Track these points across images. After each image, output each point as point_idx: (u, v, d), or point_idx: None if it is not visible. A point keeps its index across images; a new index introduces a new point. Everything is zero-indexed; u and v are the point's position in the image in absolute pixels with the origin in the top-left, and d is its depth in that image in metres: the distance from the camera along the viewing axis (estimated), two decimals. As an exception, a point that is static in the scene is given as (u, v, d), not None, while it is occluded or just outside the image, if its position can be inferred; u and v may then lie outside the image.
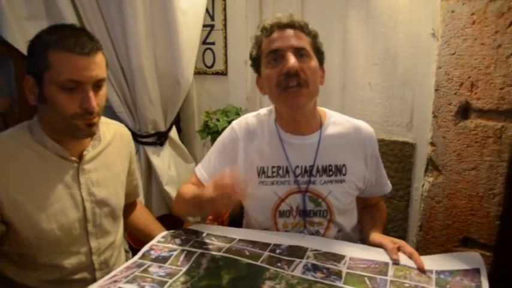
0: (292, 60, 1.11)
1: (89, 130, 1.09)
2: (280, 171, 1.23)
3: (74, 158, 1.15)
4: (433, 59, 1.59)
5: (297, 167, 1.22)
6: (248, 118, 1.32)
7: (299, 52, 1.14)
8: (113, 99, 1.95)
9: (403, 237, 1.84)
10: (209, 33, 2.20)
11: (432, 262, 1.04)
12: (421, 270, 1.00)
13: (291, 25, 1.16)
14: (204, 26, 2.17)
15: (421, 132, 1.72)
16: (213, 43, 2.20)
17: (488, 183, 1.42)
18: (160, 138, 2.11)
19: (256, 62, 1.23)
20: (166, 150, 2.15)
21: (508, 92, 1.32)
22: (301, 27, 1.18)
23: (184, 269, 1.01)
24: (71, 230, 1.14)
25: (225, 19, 2.14)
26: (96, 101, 1.06)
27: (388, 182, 1.39)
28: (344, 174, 1.23)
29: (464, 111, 1.46)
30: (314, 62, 1.17)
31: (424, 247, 1.68)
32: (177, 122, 2.35)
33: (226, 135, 1.33)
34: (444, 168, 1.56)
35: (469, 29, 1.40)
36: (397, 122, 1.80)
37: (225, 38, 2.15)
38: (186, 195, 1.26)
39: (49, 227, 1.09)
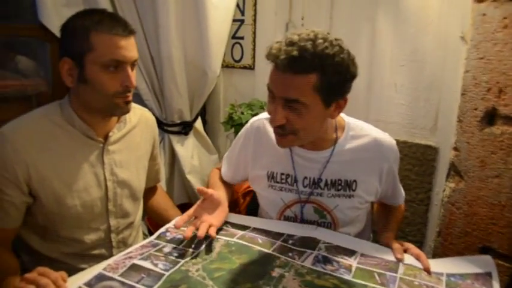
0: (278, 115, 1.02)
1: (127, 107, 1.15)
2: (289, 180, 1.23)
3: (99, 139, 1.19)
4: (461, 62, 1.55)
5: (305, 178, 1.21)
6: (262, 120, 1.28)
7: (291, 105, 1.01)
8: (141, 86, 1.98)
9: (421, 242, 1.82)
10: (239, 27, 2.22)
11: (443, 265, 1.03)
12: (428, 272, 1.00)
13: (293, 68, 0.97)
14: (234, 20, 2.19)
15: (445, 137, 1.69)
16: (242, 38, 2.22)
17: (511, 192, 1.39)
18: (185, 128, 2.14)
19: None
20: (191, 140, 2.18)
21: (537, 99, 1.30)
22: (311, 66, 0.97)
23: (197, 251, 1.04)
24: (93, 208, 1.18)
25: (255, 14, 2.15)
26: None
27: (403, 193, 1.35)
28: (353, 190, 1.19)
29: (491, 117, 1.43)
30: (311, 111, 1.02)
31: (442, 253, 1.66)
32: (203, 114, 2.38)
33: (242, 133, 1.34)
34: (466, 174, 1.53)
35: (500, 33, 1.37)
36: (420, 125, 1.77)
37: (254, 33, 2.17)
38: (210, 181, 1.40)
39: (72, 202, 1.14)
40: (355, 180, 1.19)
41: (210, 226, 1.09)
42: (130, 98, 1.15)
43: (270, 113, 1.06)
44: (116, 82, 1.09)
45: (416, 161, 1.79)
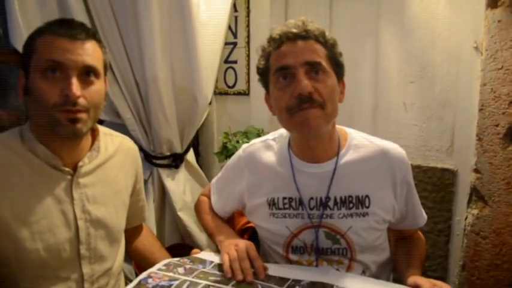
0: (304, 81, 0.97)
1: (72, 127, 0.95)
2: (293, 203, 1.09)
3: (67, 169, 1.02)
4: (477, 75, 1.48)
5: (311, 198, 1.08)
6: (256, 144, 1.20)
7: (313, 68, 0.99)
8: (127, 116, 1.84)
9: (443, 278, 1.67)
10: (231, 51, 2.11)
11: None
12: None
13: (303, 36, 1.00)
14: (227, 43, 2.08)
15: (464, 158, 1.59)
16: (235, 61, 2.11)
17: (545, 217, 1.27)
18: (175, 161, 1.98)
19: (264, 77, 1.08)
20: (182, 173, 2.02)
21: None
22: (316, 37, 1.01)
23: (184, 303, 0.85)
24: (60, 252, 1.00)
25: (248, 36, 2.04)
26: (84, 93, 0.95)
27: (423, 212, 1.20)
28: (367, 207, 1.06)
29: (515, 133, 1.35)
30: (331, 79, 1.01)
31: (468, 290, 1.53)
32: (195, 145, 2.24)
33: (234, 162, 1.24)
34: (491, 199, 1.44)
35: (519, 39, 1.29)
36: (435, 147, 1.66)
37: (248, 56, 2.05)
38: (206, 221, 1.27)
39: (33, 246, 0.96)
40: (367, 196, 1.07)
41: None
42: (78, 115, 0.95)
43: (294, 90, 0.98)
44: (55, 91, 0.93)
45: (433, 186, 1.66)
